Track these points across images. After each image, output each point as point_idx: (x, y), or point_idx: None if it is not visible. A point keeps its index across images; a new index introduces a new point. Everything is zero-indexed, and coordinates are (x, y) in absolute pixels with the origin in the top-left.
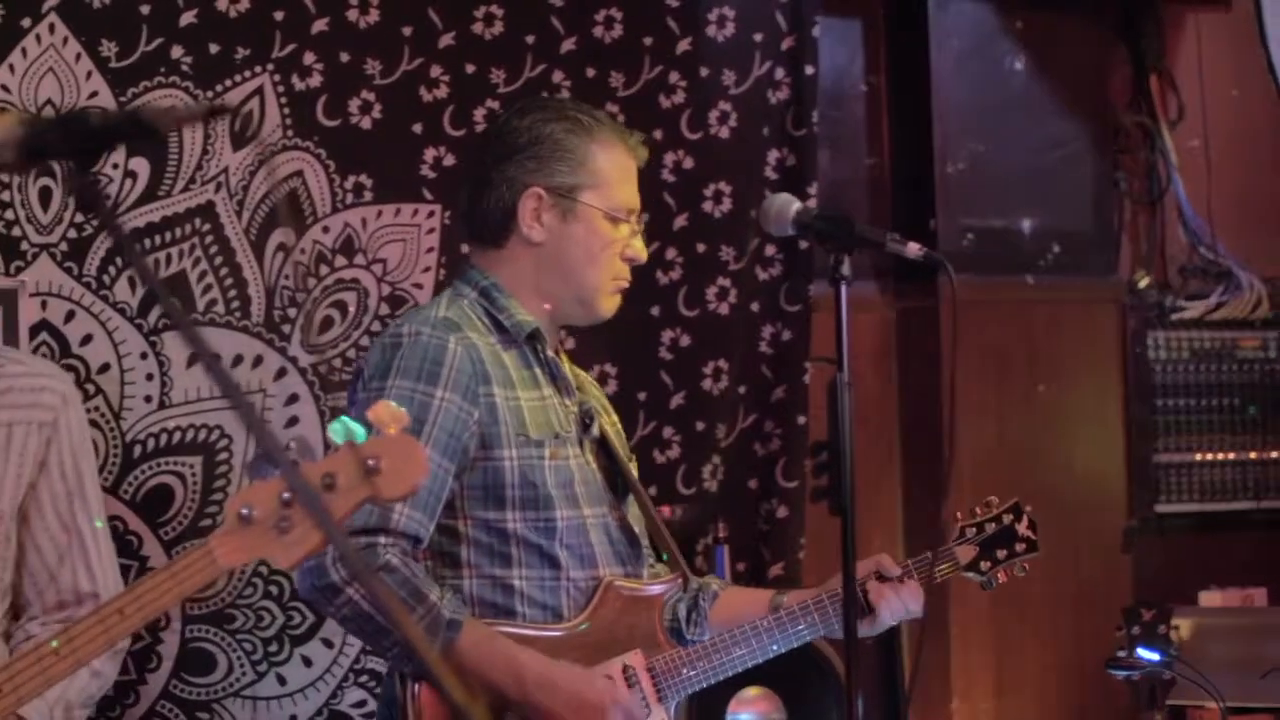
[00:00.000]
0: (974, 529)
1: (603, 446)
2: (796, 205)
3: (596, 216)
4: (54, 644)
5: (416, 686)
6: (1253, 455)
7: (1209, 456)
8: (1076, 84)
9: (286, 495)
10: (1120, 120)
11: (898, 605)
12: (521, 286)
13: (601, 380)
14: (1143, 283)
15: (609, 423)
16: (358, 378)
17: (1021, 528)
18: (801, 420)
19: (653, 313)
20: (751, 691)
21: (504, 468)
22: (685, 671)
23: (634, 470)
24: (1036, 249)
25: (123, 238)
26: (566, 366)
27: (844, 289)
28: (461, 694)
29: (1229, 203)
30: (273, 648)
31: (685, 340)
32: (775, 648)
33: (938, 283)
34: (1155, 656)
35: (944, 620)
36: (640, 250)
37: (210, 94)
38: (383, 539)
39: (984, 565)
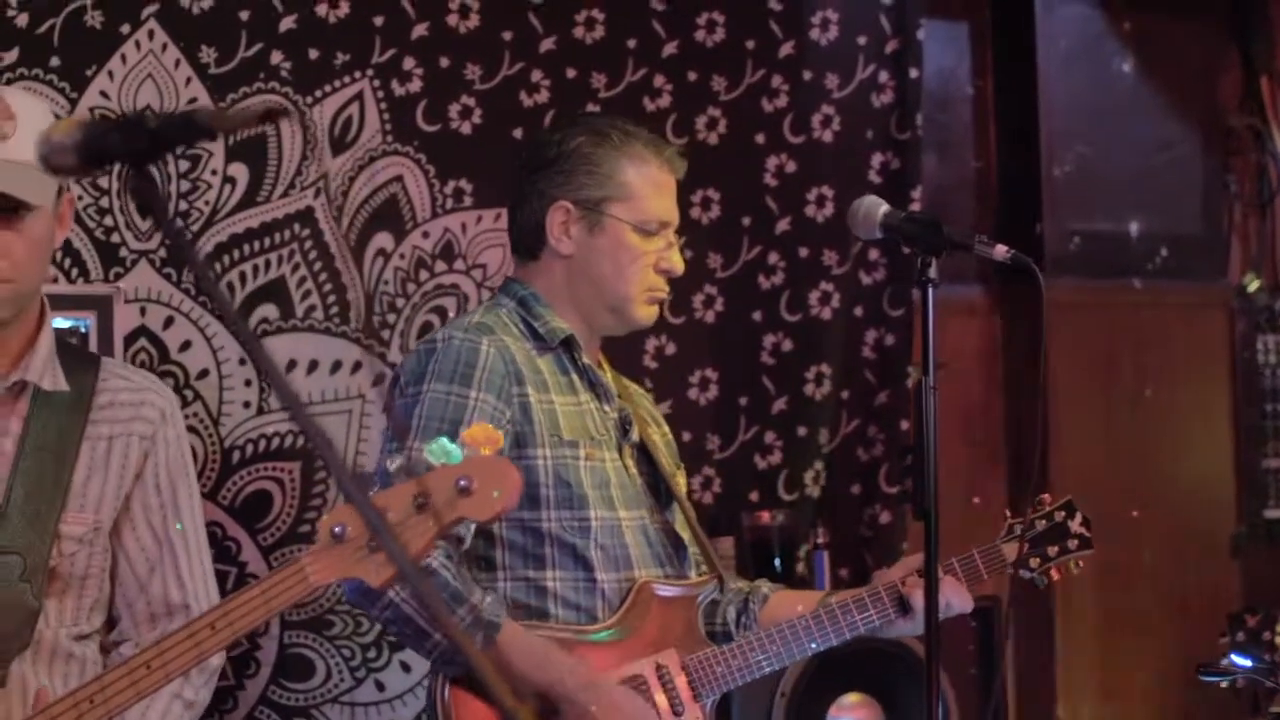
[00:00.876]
0: (1022, 526)
1: (643, 453)
2: (884, 208)
3: (625, 229)
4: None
5: (448, 690)
6: None
7: None
8: (1185, 86)
9: (379, 514)
10: (1230, 122)
11: (939, 602)
12: (556, 297)
13: (703, 385)
14: (1252, 286)
15: (658, 433)
16: (394, 384)
17: (1075, 525)
18: (905, 425)
19: (755, 317)
20: (851, 698)
21: (538, 466)
22: (719, 669)
23: (682, 481)
24: (1144, 252)
25: (182, 242)
26: (609, 375)
27: (930, 291)
28: (508, 696)
29: None
30: (371, 654)
31: (787, 345)
32: (814, 645)
33: (1042, 286)
34: (1248, 663)
35: (1049, 624)
36: (676, 262)
37: (310, 99)
38: None
39: (1034, 562)
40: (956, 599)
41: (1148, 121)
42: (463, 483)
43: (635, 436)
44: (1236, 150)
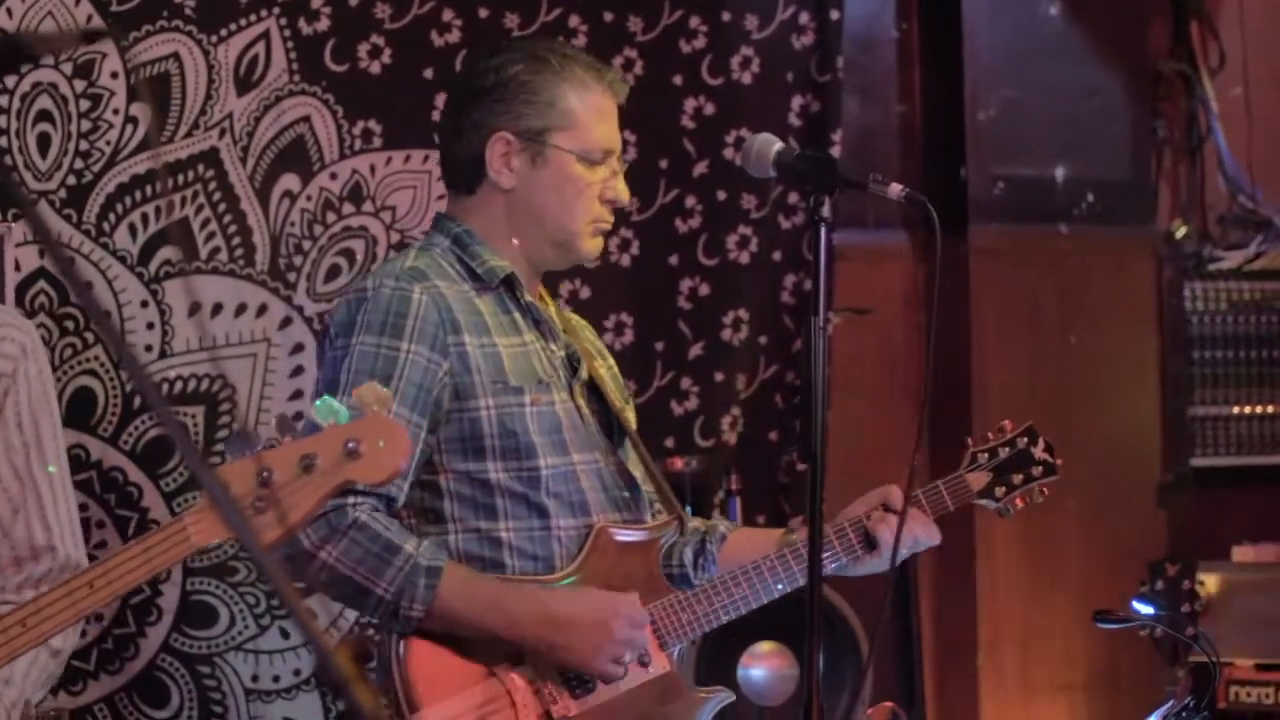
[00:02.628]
0: (986, 454)
1: (593, 391)
2: (777, 145)
3: (569, 160)
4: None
5: (403, 647)
6: None
7: (1246, 409)
8: (1114, 29)
9: (264, 474)
10: (1159, 67)
11: (906, 536)
12: (495, 233)
13: (618, 330)
14: (1180, 233)
15: (603, 367)
16: (324, 336)
17: (1037, 451)
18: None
19: (671, 261)
20: (764, 646)
21: (480, 417)
22: (684, 616)
23: (631, 416)
24: (1070, 198)
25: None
26: (552, 310)
27: (825, 231)
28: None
29: (1270, 151)
30: (275, 600)
31: (704, 289)
32: (780, 587)
33: (968, 231)
34: (1149, 610)
35: (970, 572)
36: (621, 192)
37: (214, 38)
38: (350, 499)
39: (999, 491)
40: (924, 533)
41: (1075, 66)
42: (351, 444)
43: (584, 374)
44: (1165, 96)
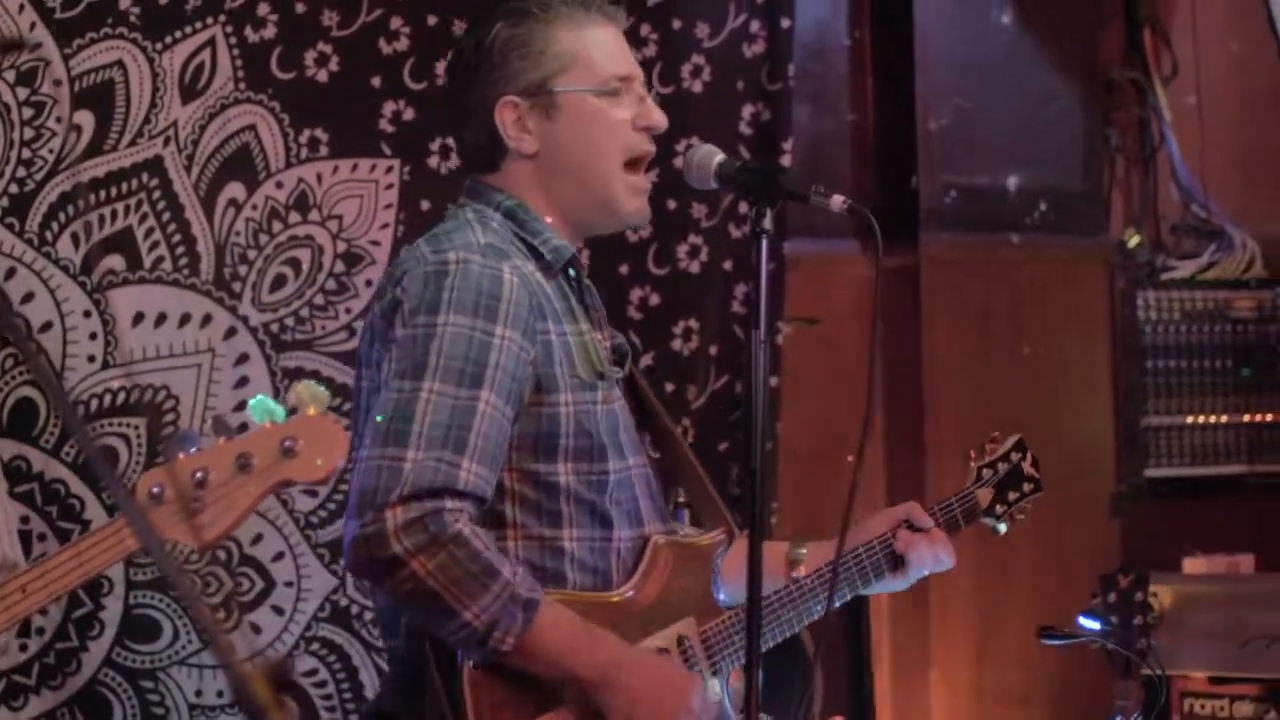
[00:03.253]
0: (989, 470)
1: (632, 387)
2: (718, 157)
3: (584, 98)
4: None
5: (465, 677)
6: (1245, 418)
7: (1200, 419)
8: (1066, 38)
9: (200, 475)
10: (1112, 75)
11: (929, 555)
12: (539, 205)
13: None
14: (1133, 241)
15: None
16: (395, 310)
17: (1027, 466)
18: (774, 382)
19: (621, 271)
20: None
21: (560, 414)
22: (737, 639)
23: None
24: (1023, 207)
25: None
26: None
27: (765, 242)
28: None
29: (1223, 160)
30: (219, 615)
31: (655, 299)
32: (819, 609)
33: (920, 241)
34: (1096, 625)
35: (923, 584)
36: (654, 114)
37: (159, 46)
38: (449, 503)
39: (999, 509)
40: (945, 552)
41: (1027, 74)
42: (288, 443)
43: (626, 369)
44: (1118, 104)
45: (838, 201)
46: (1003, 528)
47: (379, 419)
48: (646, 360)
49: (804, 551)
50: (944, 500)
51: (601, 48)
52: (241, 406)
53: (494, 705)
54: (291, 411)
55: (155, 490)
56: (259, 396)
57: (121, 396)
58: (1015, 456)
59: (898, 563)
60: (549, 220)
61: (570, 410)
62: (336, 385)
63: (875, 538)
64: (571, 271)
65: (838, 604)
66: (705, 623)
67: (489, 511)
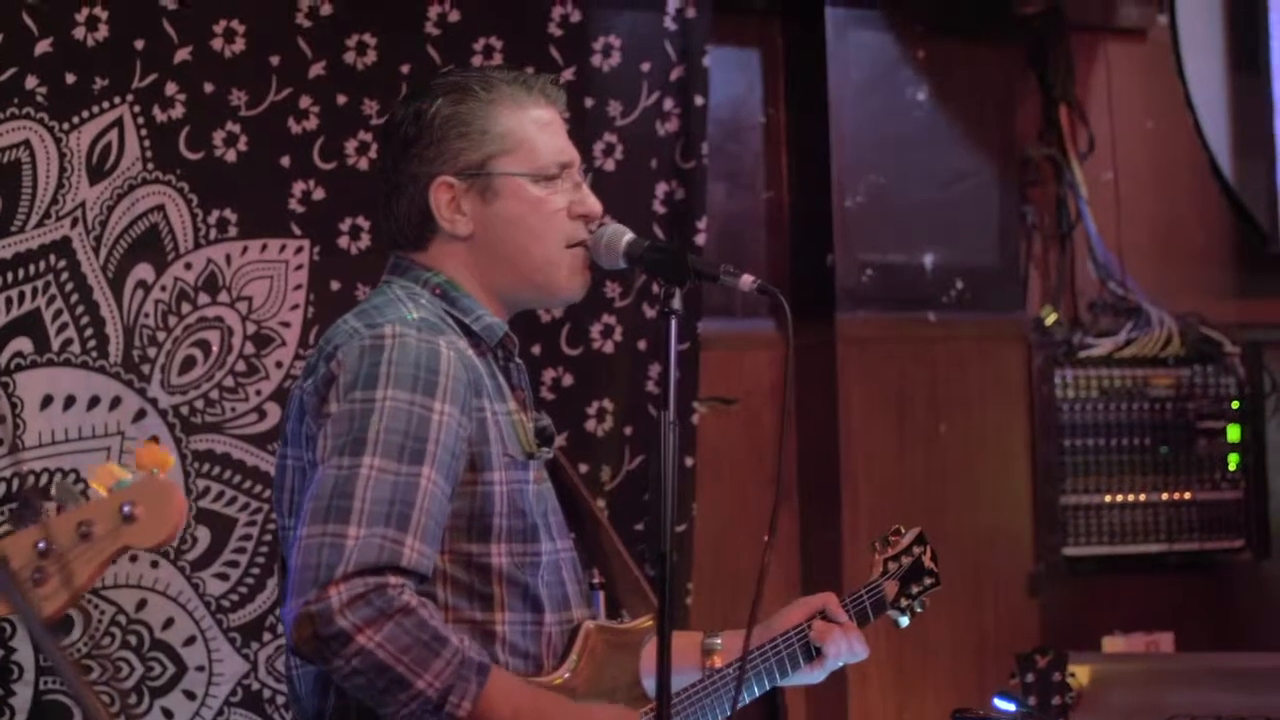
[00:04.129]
0: (894, 563)
1: (555, 471)
2: (627, 236)
3: (523, 184)
4: None
5: None
6: (1164, 497)
7: (1118, 498)
8: (982, 115)
9: (41, 545)
10: (1028, 152)
11: (844, 646)
12: (470, 285)
13: None
14: (1050, 319)
15: None
16: (329, 386)
17: (927, 560)
18: (689, 462)
19: (534, 351)
20: None
21: (494, 493)
22: None
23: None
24: (939, 285)
25: None
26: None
27: (674, 323)
28: None
29: (1140, 237)
30: (131, 700)
31: (568, 379)
32: (744, 697)
33: (835, 319)
34: (1011, 707)
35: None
36: (592, 203)
37: (66, 125)
38: (393, 579)
39: (903, 602)
40: (860, 644)
41: (943, 151)
42: (126, 509)
43: (550, 452)
44: (1034, 181)
45: (747, 281)
46: (904, 620)
47: (318, 497)
48: (560, 441)
49: (719, 641)
50: (854, 592)
51: (542, 131)
52: None
53: None
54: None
55: None
56: (106, 464)
57: (30, 480)
58: (917, 550)
59: (813, 654)
60: (480, 298)
61: (504, 490)
62: (247, 467)
63: (791, 628)
64: (500, 351)
65: (757, 694)
66: (636, 708)
67: (420, 593)
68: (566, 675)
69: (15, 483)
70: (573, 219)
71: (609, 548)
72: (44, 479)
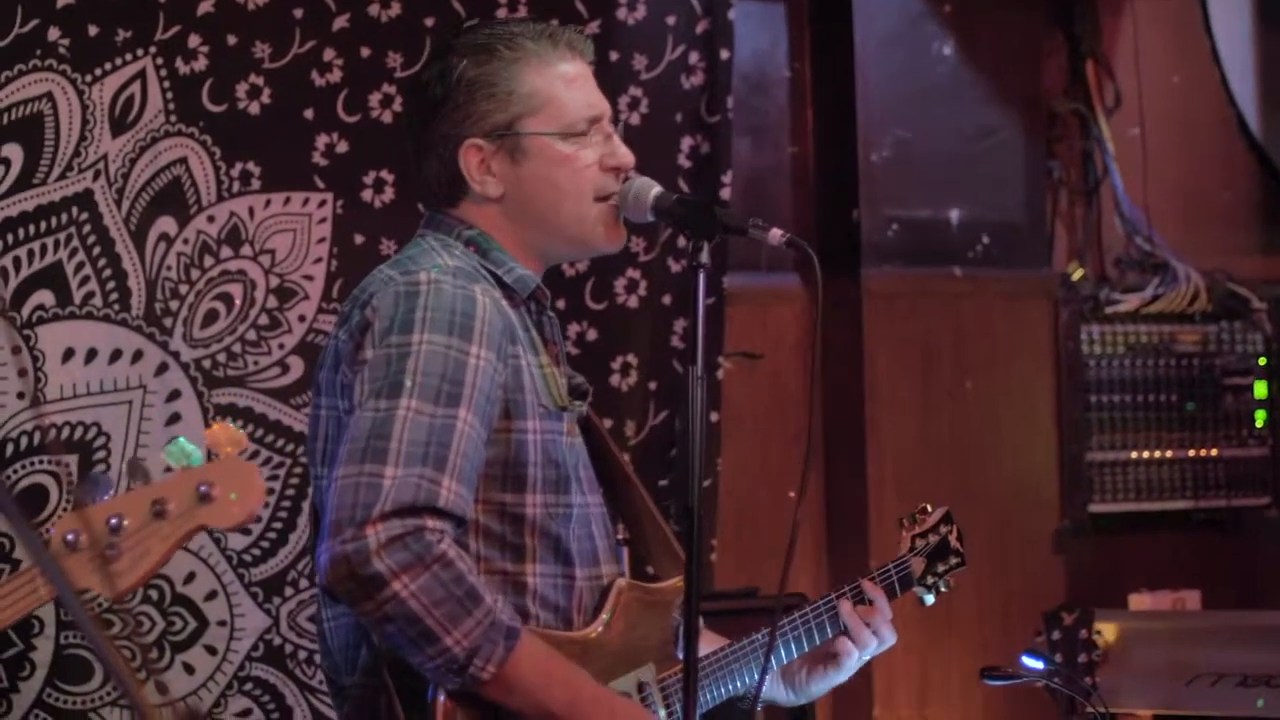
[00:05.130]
0: (922, 540)
1: (586, 427)
2: (655, 189)
3: (550, 143)
4: None
5: (440, 706)
6: (1190, 453)
7: (1144, 454)
8: (1008, 70)
9: (114, 521)
10: (1054, 107)
11: (868, 634)
12: (502, 240)
13: None
14: (1076, 275)
15: None
16: (364, 332)
17: (953, 540)
18: (714, 418)
19: (559, 305)
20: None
21: (528, 442)
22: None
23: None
24: (965, 240)
25: None
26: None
27: (702, 276)
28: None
29: (1167, 193)
30: (153, 654)
31: (592, 334)
32: (774, 663)
33: (861, 274)
34: (1039, 665)
35: None
36: (623, 155)
37: (89, 78)
38: (430, 521)
39: (929, 580)
40: (888, 631)
41: (969, 106)
42: (203, 489)
43: (584, 408)
44: (1061, 136)
45: (776, 235)
46: (930, 599)
47: (354, 439)
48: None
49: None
50: (882, 566)
51: (570, 87)
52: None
53: None
54: (209, 455)
55: (70, 538)
56: (177, 439)
57: (51, 434)
58: (944, 529)
59: (841, 627)
60: (513, 253)
61: (538, 438)
62: (270, 421)
63: (820, 599)
64: (534, 304)
65: (785, 661)
66: (665, 670)
67: (457, 544)
68: (600, 630)
69: (37, 435)
70: (604, 171)
71: (640, 505)
72: (65, 433)
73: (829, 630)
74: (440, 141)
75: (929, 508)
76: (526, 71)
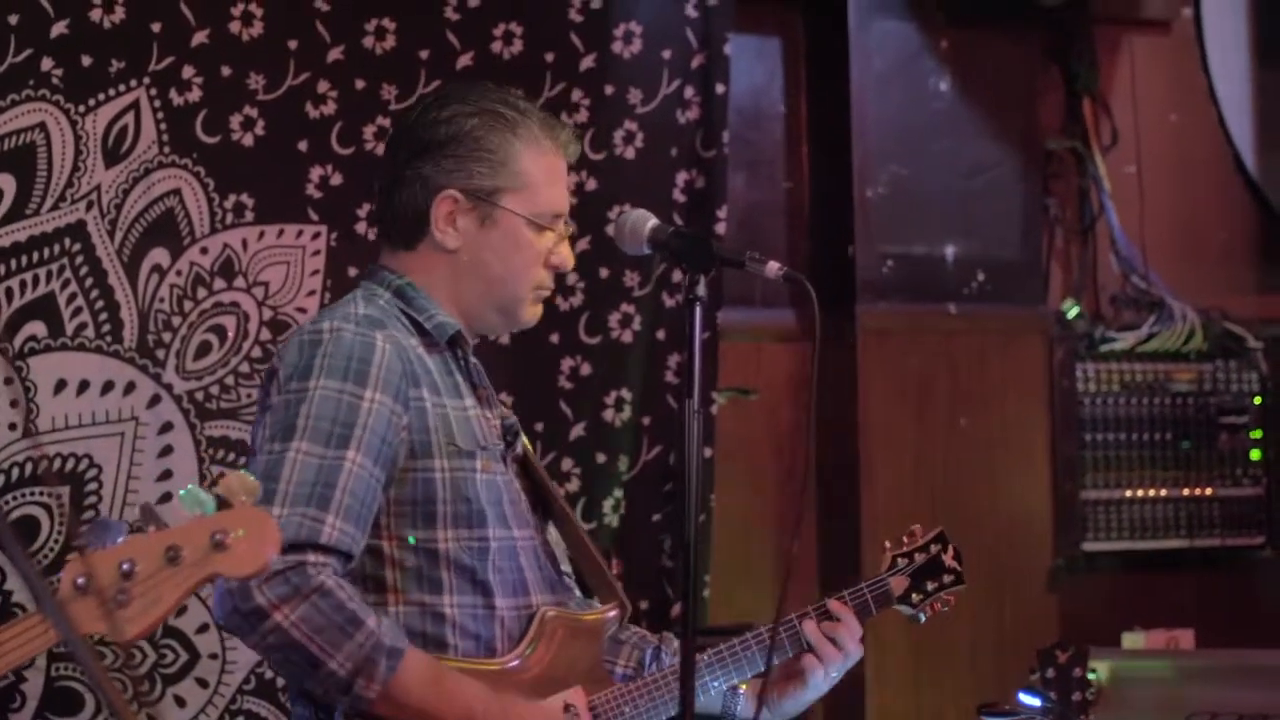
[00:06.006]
0: (904, 559)
1: (524, 465)
2: (651, 222)
3: (519, 224)
4: None
5: None
6: (1185, 492)
7: (1139, 493)
8: (1005, 106)
9: (126, 566)
10: (1051, 145)
11: (830, 648)
12: (436, 291)
13: None
14: (1071, 312)
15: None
16: (271, 380)
17: (948, 558)
18: (708, 453)
19: (552, 340)
20: None
21: (435, 479)
22: (627, 710)
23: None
24: (960, 276)
25: None
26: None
27: (699, 310)
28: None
29: (1163, 231)
30: (144, 687)
31: (586, 369)
32: (716, 684)
33: (856, 310)
34: (1036, 702)
35: (860, 661)
36: (567, 257)
37: (82, 108)
38: (312, 556)
39: (915, 598)
40: (854, 645)
41: (965, 142)
42: (218, 536)
43: (519, 447)
44: (1057, 173)
45: (774, 268)
46: (922, 617)
47: None
48: (578, 431)
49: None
50: (855, 585)
51: (551, 182)
52: (165, 476)
53: None
54: (221, 502)
55: (80, 582)
56: (189, 487)
57: (43, 465)
58: (934, 548)
59: (803, 646)
60: (440, 302)
61: (446, 476)
62: None
63: (780, 620)
64: (458, 350)
65: (723, 685)
66: (594, 692)
67: (370, 577)
68: (518, 661)
69: (29, 467)
70: (547, 268)
71: (574, 538)
72: (57, 464)
73: (788, 650)
74: (421, 180)
75: (918, 528)
76: (524, 152)
